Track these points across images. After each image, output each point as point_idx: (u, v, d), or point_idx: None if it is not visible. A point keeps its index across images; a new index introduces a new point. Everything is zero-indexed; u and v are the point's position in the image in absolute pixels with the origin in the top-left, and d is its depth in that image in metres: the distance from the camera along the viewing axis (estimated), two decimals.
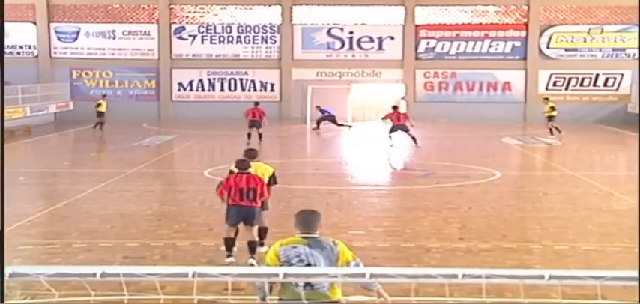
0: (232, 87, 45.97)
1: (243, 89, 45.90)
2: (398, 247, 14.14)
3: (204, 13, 45.63)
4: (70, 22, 45.65)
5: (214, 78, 45.99)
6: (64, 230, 15.55)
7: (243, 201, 12.52)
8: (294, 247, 6.93)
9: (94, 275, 4.43)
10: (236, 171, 12.82)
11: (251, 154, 13.64)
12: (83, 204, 18.72)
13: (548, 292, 6.02)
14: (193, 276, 4.44)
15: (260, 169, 13.50)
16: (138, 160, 27.13)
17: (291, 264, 6.80)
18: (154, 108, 45.47)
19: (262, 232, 13.48)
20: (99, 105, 37.96)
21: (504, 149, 31.77)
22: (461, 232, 15.31)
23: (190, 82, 46.07)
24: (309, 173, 25.98)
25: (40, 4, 45.17)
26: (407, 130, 31.01)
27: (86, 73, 46.18)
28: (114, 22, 45.63)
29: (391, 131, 31.09)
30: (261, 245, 13.15)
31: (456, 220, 16.48)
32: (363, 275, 4.29)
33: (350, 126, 39.28)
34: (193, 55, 45.82)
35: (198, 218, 16.77)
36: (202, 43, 45.81)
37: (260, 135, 32.12)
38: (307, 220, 7.12)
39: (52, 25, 45.66)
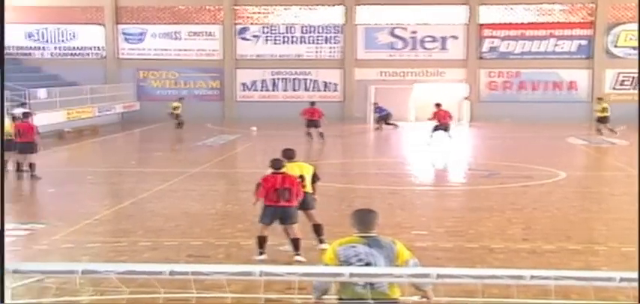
0: (295, 88, 46.04)
1: (306, 89, 45.90)
2: (461, 247, 14.05)
3: (267, 13, 45.79)
4: (137, 23, 46.22)
5: (277, 79, 46.10)
6: (131, 229, 15.73)
7: (280, 202, 12.60)
8: (353, 246, 6.91)
9: (163, 273, 4.49)
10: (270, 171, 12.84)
11: (288, 154, 13.66)
12: (148, 202, 18.91)
13: (615, 295, 5.92)
14: (260, 275, 4.53)
15: (302, 168, 13.65)
16: (202, 160, 27.30)
17: (351, 264, 6.76)
18: (218, 108, 45.75)
19: (319, 229, 13.60)
20: (175, 107, 38.65)
21: (569, 149, 31.29)
22: (525, 233, 15.15)
23: (254, 82, 46.25)
24: (372, 173, 25.93)
25: (108, 6, 45.85)
26: (447, 129, 30.78)
27: (152, 74, 46.71)
28: (179, 23, 46.05)
29: (435, 129, 30.83)
30: (321, 242, 13.26)
31: (520, 221, 16.30)
32: (427, 275, 4.28)
33: (396, 126, 39.05)
34: (257, 56, 45.97)
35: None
36: (266, 43, 45.92)
37: (321, 134, 32.20)
38: (365, 219, 7.10)
39: (120, 27, 46.30)
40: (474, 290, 4.87)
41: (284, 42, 45.83)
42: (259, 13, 45.82)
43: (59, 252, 13.87)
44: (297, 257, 12.68)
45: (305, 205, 13.43)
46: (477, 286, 4.49)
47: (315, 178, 13.85)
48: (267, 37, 45.93)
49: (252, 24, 45.97)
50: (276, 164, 12.83)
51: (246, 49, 46.02)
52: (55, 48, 46.54)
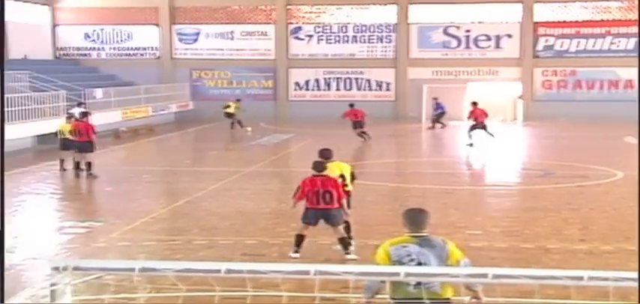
0: (348, 87, 46.02)
1: (358, 88, 45.90)
2: (516, 248, 13.93)
3: (320, 12, 45.86)
4: (191, 23, 46.64)
5: (330, 78, 46.14)
6: (186, 227, 15.85)
7: (320, 204, 12.62)
8: (405, 246, 6.90)
9: (219, 271, 4.51)
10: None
11: (326, 154, 13.60)
12: (203, 201, 19.03)
13: None
14: (315, 274, 4.49)
15: (341, 167, 13.64)
16: (256, 159, 27.47)
17: (403, 263, 6.75)
18: (271, 108, 45.94)
19: (346, 228, 13.51)
20: (227, 106, 38.72)
21: (626, 149, 30.76)
22: (582, 233, 14.98)
23: (307, 82, 46.36)
24: (426, 172, 25.83)
25: (163, 6, 46.35)
26: (485, 127, 30.51)
27: (205, 73, 47.08)
28: (233, 23, 46.31)
29: (472, 128, 30.57)
30: (350, 238, 13.25)
31: (577, 221, 16.12)
32: (485, 275, 4.27)
33: (443, 126, 38.79)
34: (310, 55, 46.07)
35: None
36: (319, 42, 46.00)
37: (364, 134, 32.30)
38: (416, 219, 7.08)
39: (174, 27, 46.75)
40: (529, 291, 4.83)
41: (337, 41, 45.86)
42: (312, 12, 45.92)
43: (116, 250, 14.06)
44: (349, 256, 12.71)
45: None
46: (534, 287, 4.45)
47: (352, 177, 13.87)
48: (320, 36, 45.99)
49: (305, 23, 46.07)
50: (318, 166, 12.84)
51: (300, 48, 46.15)
52: (112, 48, 47.20)
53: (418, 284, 6.51)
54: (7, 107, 29.39)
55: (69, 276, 4.61)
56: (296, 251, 12.97)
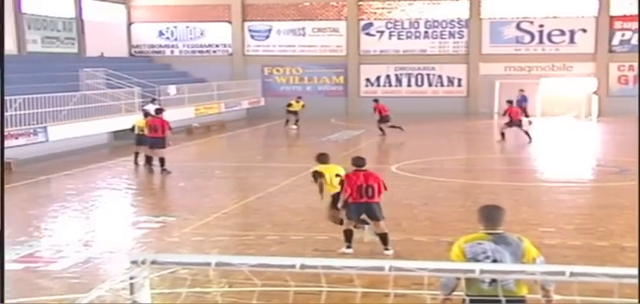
0: (419, 83, 45.73)
1: (430, 84, 45.58)
2: (591, 245, 13.70)
3: (391, 8, 45.62)
4: (263, 20, 46.85)
5: (401, 74, 45.87)
6: (258, 223, 16.00)
7: (362, 198, 12.76)
8: (480, 243, 6.86)
9: (294, 266, 4.54)
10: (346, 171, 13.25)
11: (322, 158, 14.46)
12: (275, 197, 19.15)
13: None
14: (389, 270, 4.51)
15: (338, 169, 14.16)
16: None
17: (478, 260, 6.72)
18: (342, 104, 45.91)
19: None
20: (290, 105, 38.82)
21: None
22: None
23: (378, 78, 46.17)
24: (497, 168, 25.60)
25: (235, 4, 46.65)
26: (520, 125, 30.26)
27: (277, 70, 47.28)
28: (304, 20, 46.38)
29: (508, 125, 30.26)
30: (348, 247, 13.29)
31: None
32: (562, 272, 4.22)
33: (530, 122, 38.28)
34: (381, 51, 45.86)
35: (386, 212, 16.18)
36: (390, 38, 45.73)
37: (383, 130, 32.76)
38: (491, 216, 7.04)
39: (246, 24, 47.00)
40: (607, 290, 4.76)
41: (408, 37, 45.55)
42: (384, 8, 45.72)
43: (190, 244, 14.20)
44: (386, 251, 12.85)
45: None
46: (612, 286, 4.38)
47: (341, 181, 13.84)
48: (391, 32, 45.73)
49: (376, 19, 45.88)
50: (358, 162, 13.15)
51: (371, 44, 45.97)
52: (185, 45, 47.75)
53: (493, 281, 6.46)
54: (85, 104, 29.97)
55: (147, 270, 4.68)
56: (348, 247, 13.09)
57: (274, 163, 26.41)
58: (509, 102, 31.66)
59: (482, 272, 4.81)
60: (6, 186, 21.08)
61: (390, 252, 12.85)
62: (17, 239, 14.26)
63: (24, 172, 23.42)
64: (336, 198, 13.77)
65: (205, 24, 47.21)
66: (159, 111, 25.06)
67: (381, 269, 4.55)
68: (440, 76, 45.57)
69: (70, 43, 41.52)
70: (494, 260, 6.73)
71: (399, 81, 46.06)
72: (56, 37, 40.57)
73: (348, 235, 13.13)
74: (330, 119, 40.41)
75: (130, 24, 47.64)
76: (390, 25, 45.74)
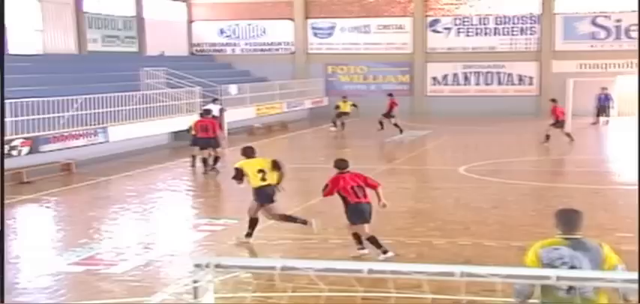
0: (488, 81, 44.75)
1: (499, 83, 44.60)
2: None
3: (459, 4, 44.71)
4: (326, 17, 46.33)
5: (469, 72, 44.99)
6: (321, 226, 15.47)
7: (360, 199, 13.03)
8: (556, 248, 6.58)
9: (361, 271, 4.54)
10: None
11: (247, 152, 14.83)
12: (338, 199, 18.54)
13: None
14: (460, 275, 4.43)
15: (262, 163, 14.56)
16: (391, 156, 27.63)
17: (554, 267, 6.42)
18: (408, 103, 45.10)
19: (289, 219, 14.58)
20: (338, 107, 37.43)
21: None
22: None
23: (444, 76, 45.35)
24: (571, 170, 25.13)
25: (297, 1, 46.27)
26: (563, 126, 29.49)
27: (340, 69, 46.75)
28: (368, 17, 45.72)
29: (554, 126, 29.41)
30: (248, 235, 14.17)
31: None
32: None
33: (607, 122, 36.91)
34: (448, 48, 45.03)
35: (454, 216, 16.68)
36: (457, 35, 44.91)
37: (381, 124, 33.29)
38: (569, 220, 6.73)
39: (309, 21, 46.56)
40: None
41: (477, 34, 44.63)
42: (451, 4, 44.84)
43: (250, 248, 14.14)
44: (384, 256, 12.84)
45: (266, 198, 14.27)
46: None
47: (276, 167, 14.52)
48: (459, 28, 44.89)
49: (443, 16, 45.03)
50: (342, 164, 13.40)
51: (437, 41, 45.18)
52: (246, 44, 47.47)
53: (570, 288, 6.26)
54: (145, 103, 29.69)
55: (211, 273, 4.76)
56: (363, 248, 13.19)
57: None
58: (553, 100, 30.85)
59: (559, 279, 4.74)
60: (67, 187, 21.19)
61: (390, 254, 12.88)
62: (78, 241, 14.47)
63: (84, 173, 23.60)
64: (259, 191, 14.17)
65: (267, 22, 46.87)
66: (207, 111, 24.88)
67: (452, 274, 4.48)
68: (510, 74, 44.50)
69: (130, 42, 41.56)
70: (572, 267, 6.44)
71: (467, 79, 45.19)
72: (116, 35, 40.65)
73: (358, 236, 13.15)
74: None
75: (190, 22, 47.60)
76: (458, 22, 44.87)
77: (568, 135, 29.39)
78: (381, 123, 33.58)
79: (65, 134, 25.02)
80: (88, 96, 26.71)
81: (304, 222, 14.38)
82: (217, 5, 47.06)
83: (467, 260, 12.43)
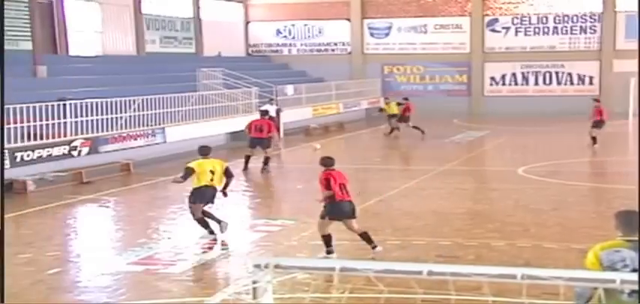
0: (547, 81, 44.23)
1: (559, 83, 44.05)
2: None
3: (518, 3, 44.25)
4: (383, 17, 46.19)
5: (528, 72, 44.53)
6: (378, 227, 15.60)
7: (345, 196, 13.06)
8: (618, 251, 6.39)
9: (421, 272, 4.50)
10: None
11: (203, 151, 15.11)
12: (395, 200, 18.92)
13: None
14: (521, 278, 4.39)
15: (214, 163, 14.82)
16: (449, 157, 26.99)
17: (616, 269, 6.23)
18: (465, 104, 44.91)
19: (210, 219, 14.70)
20: (382, 110, 36.73)
21: None
22: None
23: (503, 76, 44.96)
24: (632, 171, 24.25)
25: (354, 1, 46.22)
26: (601, 127, 28.80)
27: (397, 69, 46.57)
28: (426, 16, 45.53)
29: (594, 126, 28.74)
30: (212, 232, 14.55)
31: None
32: None
33: None
34: (506, 48, 44.64)
35: (513, 217, 16.49)
36: (516, 34, 44.48)
37: (397, 128, 32.75)
38: (630, 222, 6.51)
39: (365, 21, 46.45)
40: None
41: (536, 33, 44.16)
42: (510, 3, 44.41)
43: (308, 249, 14.08)
44: (377, 249, 13.05)
45: (209, 198, 14.63)
46: None
47: (227, 174, 14.91)
48: (517, 28, 44.47)
49: (501, 15, 44.66)
50: (328, 162, 13.36)
51: (496, 41, 44.82)
52: (303, 44, 47.53)
53: (633, 292, 5.83)
54: (202, 104, 29.86)
55: (271, 274, 4.75)
56: (332, 251, 13.23)
57: (394, 165, 26.14)
58: (596, 100, 30.35)
59: (622, 282, 4.60)
60: (125, 188, 21.37)
61: (379, 249, 13.10)
62: (137, 240, 14.57)
63: (142, 173, 23.74)
64: (202, 190, 14.45)
65: (324, 22, 46.88)
66: (264, 113, 24.93)
67: (513, 277, 4.44)
68: (570, 74, 43.94)
69: (188, 43, 41.92)
70: (634, 270, 6.20)
71: (525, 79, 44.74)
72: (174, 36, 41.05)
73: (328, 239, 13.20)
74: (452, 120, 39.70)
75: (247, 23, 47.82)
76: (516, 21, 44.44)
77: (594, 138, 28.74)
78: (396, 128, 33.23)
79: (124, 134, 25.25)
80: (146, 97, 26.90)
81: (216, 223, 14.66)
82: (274, 6, 47.21)
83: (526, 262, 12.24)
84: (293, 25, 47.39)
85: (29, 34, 28.83)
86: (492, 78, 45.17)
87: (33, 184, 20.60)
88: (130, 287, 11.89)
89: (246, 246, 14.40)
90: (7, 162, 20.47)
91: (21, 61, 28.86)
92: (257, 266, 4.75)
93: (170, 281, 12.02)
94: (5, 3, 30.09)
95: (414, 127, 32.56)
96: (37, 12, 28.89)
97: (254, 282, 4.74)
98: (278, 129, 23.87)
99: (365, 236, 13.18)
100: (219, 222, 14.68)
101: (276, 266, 4.73)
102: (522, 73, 44.67)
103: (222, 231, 14.58)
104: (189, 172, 14.68)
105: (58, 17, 33.21)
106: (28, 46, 29.04)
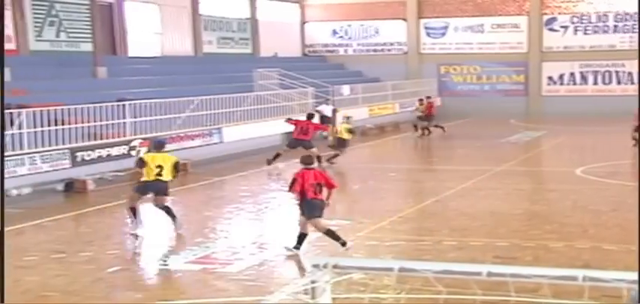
0: (606, 81, 43.43)
1: (618, 82, 43.21)
2: None
3: (578, 2, 43.50)
4: (439, 17, 45.89)
5: (587, 71, 43.74)
6: (434, 227, 15.71)
7: (317, 195, 13.27)
8: None
9: (480, 273, 4.45)
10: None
11: (157, 146, 15.74)
12: (452, 201, 18.79)
13: None
14: (583, 280, 4.33)
15: (165, 158, 15.17)
16: (506, 157, 26.76)
17: None
18: (522, 104, 44.36)
19: (170, 212, 15.14)
20: (416, 109, 35.60)
21: None
22: None
23: (561, 76, 44.23)
24: None
25: (410, 0, 45.99)
26: None
27: (454, 69, 46.23)
28: (482, 16, 45.09)
29: (637, 129, 27.91)
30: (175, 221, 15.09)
31: None
32: None
33: None
34: (565, 47, 43.89)
35: (571, 218, 16.30)
36: (575, 33, 43.71)
37: (416, 127, 32.71)
38: None
39: (422, 21, 46.17)
40: None
41: (595, 32, 43.35)
42: (569, 1, 43.71)
43: (364, 249, 14.03)
44: (345, 247, 13.28)
45: (162, 190, 14.99)
46: None
47: (176, 168, 15.21)
48: (576, 27, 43.69)
49: (560, 14, 43.91)
50: (307, 160, 13.65)
51: (554, 40, 44.11)
52: (358, 44, 47.43)
53: None
54: (258, 104, 30.03)
55: (329, 274, 4.75)
56: (298, 248, 13.37)
57: (450, 166, 25.92)
58: None
59: None
60: (183, 187, 21.57)
61: (350, 244, 13.39)
62: (194, 240, 14.66)
63: (200, 173, 23.82)
64: (149, 184, 14.86)
65: (380, 22, 46.71)
66: (310, 116, 25.37)
67: (574, 278, 4.36)
68: (630, 73, 42.90)
69: (244, 44, 42.16)
70: None
71: (584, 79, 43.97)
72: (231, 37, 41.29)
73: (332, 234, 13.42)
74: (509, 119, 39.30)
75: (303, 23, 47.87)
76: (575, 20, 43.69)
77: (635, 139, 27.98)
78: (416, 126, 33.41)
79: (181, 135, 25.50)
80: (203, 98, 27.13)
81: (172, 219, 15.04)
82: (330, 6, 47.20)
83: (585, 263, 12.08)
84: (349, 25, 47.31)
85: (90, 35, 29.32)
86: (550, 78, 44.47)
87: (93, 183, 20.90)
88: (188, 286, 12.01)
89: (302, 246, 14.21)
90: (68, 162, 20.84)
91: (82, 63, 29.41)
92: (315, 266, 4.74)
93: (227, 280, 12.08)
94: (67, 6, 30.77)
95: (436, 126, 33.10)
96: (98, 14, 29.37)
97: (312, 282, 4.74)
98: (335, 128, 23.92)
99: (331, 234, 13.35)
100: (174, 217, 15.06)
101: (335, 267, 4.72)
102: (581, 73, 43.89)
103: (176, 229, 14.99)
104: (140, 163, 15.21)
105: (118, 19, 33.71)
106: (88, 47, 29.53)
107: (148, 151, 16.66)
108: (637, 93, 42.39)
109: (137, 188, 15.09)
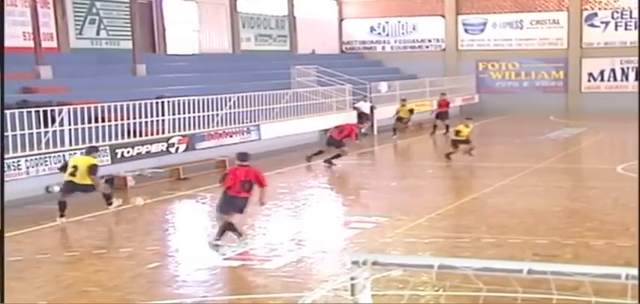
0: None
1: None
2: None
3: None
4: (478, 13, 45.61)
5: (628, 68, 43.10)
6: (473, 224, 15.56)
7: (242, 193, 13.53)
8: None
9: (521, 271, 4.43)
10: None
11: (90, 150, 17.31)
12: (490, 198, 18.70)
13: None
14: (626, 278, 4.26)
15: (87, 160, 16.62)
16: (545, 154, 26.59)
17: None
18: (562, 100, 43.94)
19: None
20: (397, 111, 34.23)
21: None
22: None
23: (601, 72, 43.74)
24: None
25: None
26: None
27: (492, 65, 45.89)
28: (522, 12, 44.70)
29: None
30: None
31: None
32: None
33: None
34: (605, 43, 43.38)
35: (612, 216, 16.11)
36: (616, 29, 43.17)
37: (447, 127, 32.36)
38: None
39: (460, 18, 45.90)
40: None
41: (636, 27, 42.50)
42: None
43: (402, 246, 13.99)
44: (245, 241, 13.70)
45: (89, 189, 16.56)
46: None
47: (92, 172, 16.46)
48: (617, 22, 43.16)
49: (601, 9, 43.43)
50: (242, 157, 13.87)
51: (594, 36, 43.60)
52: (396, 41, 47.28)
53: None
54: (296, 101, 30.05)
55: (369, 271, 4.74)
56: (218, 240, 13.56)
57: (489, 163, 25.75)
58: None
59: None
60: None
61: (244, 238, 13.72)
62: (233, 236, 14.59)
63: None
64: (67, 183, 16.46)
65: (417, 18, 46.51)
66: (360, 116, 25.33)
67: (617, 276, 4.29)
68: None
69: (282, 41, 42.21)
70: None
71: (625, 75, 43.41)
72: (269, 34, 41.36)
73: (229, 228, 13.56)
74: (548, 116, 39.03)
75: (341, 20, 47.83)
76: (616, 15, 43.16)
77: None
78: (445, 126, 33.13)
79: (220, 132, 25.57)
80: (241, 95, 27.16)
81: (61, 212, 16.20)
82: (368, 3, 47.10)
83: (627, 262, 11.85)
84: (387, 22, 47.13)
85: (129, 33, 29.55)
86: (590, 74, 43.98)
87: (132, 180, 21.09)
88: (227, 282, 12.09)
89: (340, 243, 14.36)
90: (108, 158, 21.02)
91: (121, 60, 29.65)
92: (355, 262, 4.73)
93: (266, 276, 12.12)
94: (107, 4, 31.06)
95: (435, 126, 33.12)
96: (137, 12, 29.57)
97: (352, 279, 4.73)
98: (369, 125, 24.10)
99: (230, 227, 13.58)
100: (62, 215, 16.18)
101: (374, 263, 4.71)
102: (622, 69, 43.33)
103: (58, 221, 16.12)
104: (65, 164, 17.12)
105: (157, 17, 33.94)
106: (128, 45, 29.77)
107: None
108: None
109: (62, 186, 16.79)
